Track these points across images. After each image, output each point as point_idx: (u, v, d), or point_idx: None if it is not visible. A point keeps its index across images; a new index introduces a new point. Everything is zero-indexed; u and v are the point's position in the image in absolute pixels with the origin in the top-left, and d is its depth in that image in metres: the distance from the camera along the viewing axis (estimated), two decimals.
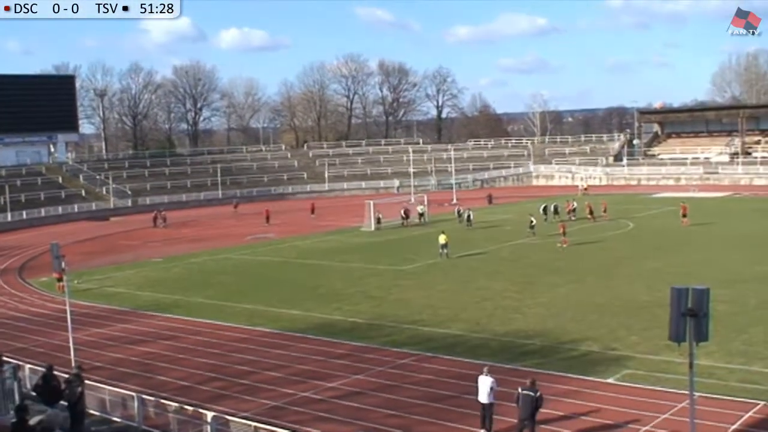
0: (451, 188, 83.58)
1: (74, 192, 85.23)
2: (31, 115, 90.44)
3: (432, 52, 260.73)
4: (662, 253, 39.87)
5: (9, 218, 73.56)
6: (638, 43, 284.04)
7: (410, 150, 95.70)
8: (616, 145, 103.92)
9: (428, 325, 26.86)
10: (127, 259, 47.98)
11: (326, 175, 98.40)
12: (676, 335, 13.00)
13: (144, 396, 18.14)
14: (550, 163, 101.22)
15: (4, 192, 75.60)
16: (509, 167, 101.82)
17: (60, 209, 78.76)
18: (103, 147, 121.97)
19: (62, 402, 17.00)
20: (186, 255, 48.13)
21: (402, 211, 58.78)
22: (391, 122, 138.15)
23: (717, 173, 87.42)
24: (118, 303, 33.87)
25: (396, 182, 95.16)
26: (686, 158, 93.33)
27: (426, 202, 62.02)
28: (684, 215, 51.50)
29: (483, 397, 16.98)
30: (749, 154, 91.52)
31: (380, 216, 57.07)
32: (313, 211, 69.68)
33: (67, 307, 23.17)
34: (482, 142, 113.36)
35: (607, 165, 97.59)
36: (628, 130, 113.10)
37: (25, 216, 74.95)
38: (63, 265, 22.79)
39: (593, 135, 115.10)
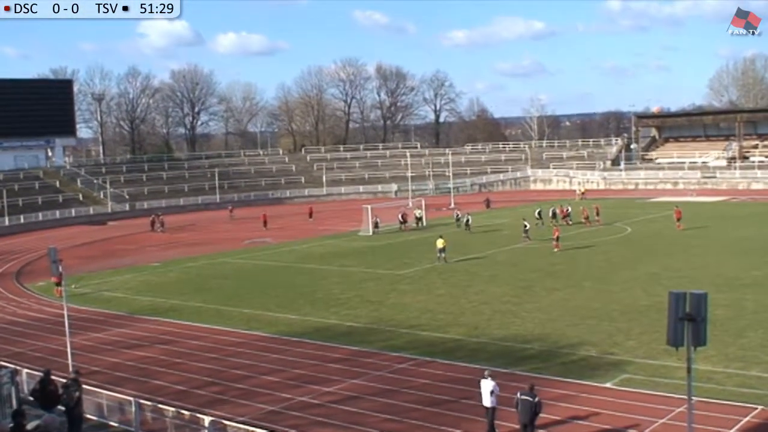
0: (449, 192, 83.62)
1: (72, 196, 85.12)
2: (28, 120, 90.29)
3: (429, 56, 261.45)
4: (660, 258, 39.89)
5: (6, 222, 73.48)
6: (636, 47, 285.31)
7: (408, 154, 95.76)
8: (614, 150, 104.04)
9: (426, 329, 26.85)
10: (125, 263, 47.94)
11: (324, 180, 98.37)
12: (674, 340, 13.02)
13: (141, 401, 18.10)
14: (548, 167, 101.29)
15: (1, 196, 75.46)
16: (507, 171, 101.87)
17: (57, 213, 78.64)
18: (101, 151, 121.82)
19: (59, 407, 16.98)
20: (183, 259, 48.09)
21: (399, 216, 58.77)
22: (388, 126, 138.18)
23: (714, 177, 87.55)
24: (116, 307, 33.83)
25: (394, 186, 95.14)
26: (684, 162, 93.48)
27: (423, 207, 62.05)
28: (678, 219, 51.60)
29: (486, 400, 17.07)
30: (746, 158, 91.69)
31: (378, 220, 57.07)
32: (310, 216, 69.69)
33: (65, 312, 23.12)
34: (480, 147, 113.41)
35: (605, 169, 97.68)
36: (625, 135, 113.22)
37: (22, 220, 74.85)
38: (60, 269, 22.76)
39: (591, 139, 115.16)
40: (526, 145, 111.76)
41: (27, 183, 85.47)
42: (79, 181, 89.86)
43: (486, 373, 17.47)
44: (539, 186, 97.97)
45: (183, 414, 17.27)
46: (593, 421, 17.56)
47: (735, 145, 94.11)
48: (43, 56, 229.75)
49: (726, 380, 19.81)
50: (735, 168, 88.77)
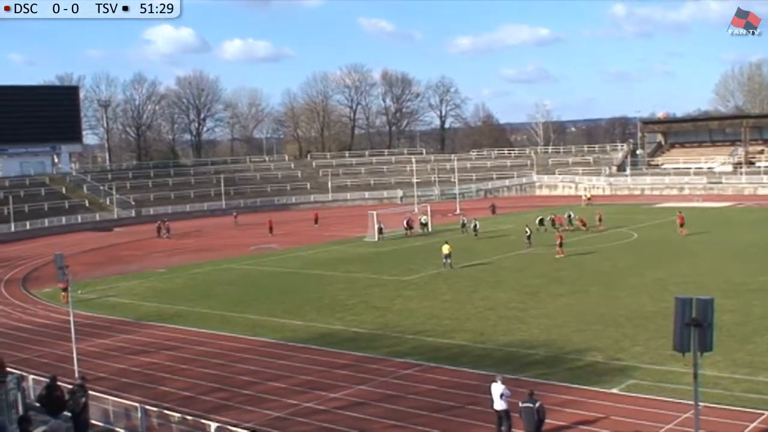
0: (455, 198, 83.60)
1: (78, 203, 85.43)
2: (34, 126, 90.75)
3: (434, 63, 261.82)
4: (666, 263, 39.78)
5: (12, 229, 73.77)
6: (641, 52, 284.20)
7: (413, 160, 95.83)
8: (620, 155, 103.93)
9: (432, 335, 26.82)
10: (131, 269, 48.04)
11: (329, 186, 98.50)
12: (680, 345, 12.99)
13: (147, 407, 18.13)
14: (554, 173, 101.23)
15: (7, 202, 75.81)
16: (512, 177, 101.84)
17: (63, 220, 78.93)
18: (107, 158, 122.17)
19: (66, 413, 17.01)
20: (189, 265, 48.17)
21: (405, 222, 58.82)
22: (394, 132, 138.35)
23: (720, 183, 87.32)
24: (122, 313, 33.90)
25: (399, 192, 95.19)
26: (690, 168, 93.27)
27: (429, 212, 62.04)
28: (681, 225, 51.54)
29: (497, 404, 17.13)
30: (752, 163, 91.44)
31: (382, 226, 57.04)
32: (316, 222, 69.74)
33: (71, 318, 23.20)
34: (485, 152, 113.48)
35: (611, 175, 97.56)
36: (631, 140, 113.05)
37: (28, 226, 75.12)
38: (67, 275, 22.84)
39: (596, 145, 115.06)
40: (532, 151, 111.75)
41: (33, 189, 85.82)
42: (85, 188, 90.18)
43: (498, 377, 17.54)
44: (545, 192, 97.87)
45: (189, 420, 17.29)
46: (600, 427, 17.51)
47: (741, 151, 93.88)
48: (48, 63, 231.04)
49: (733, 386, 19.74)
50: (741, 173, 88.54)
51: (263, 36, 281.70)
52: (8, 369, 18.96)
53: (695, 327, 12.74)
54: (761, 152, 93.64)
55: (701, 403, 14.90)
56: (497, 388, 17.08)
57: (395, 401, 20.02)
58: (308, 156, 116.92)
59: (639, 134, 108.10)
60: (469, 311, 30.41)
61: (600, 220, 56.78)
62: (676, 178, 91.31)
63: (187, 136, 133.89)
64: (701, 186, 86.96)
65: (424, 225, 59.46)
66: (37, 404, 17.64)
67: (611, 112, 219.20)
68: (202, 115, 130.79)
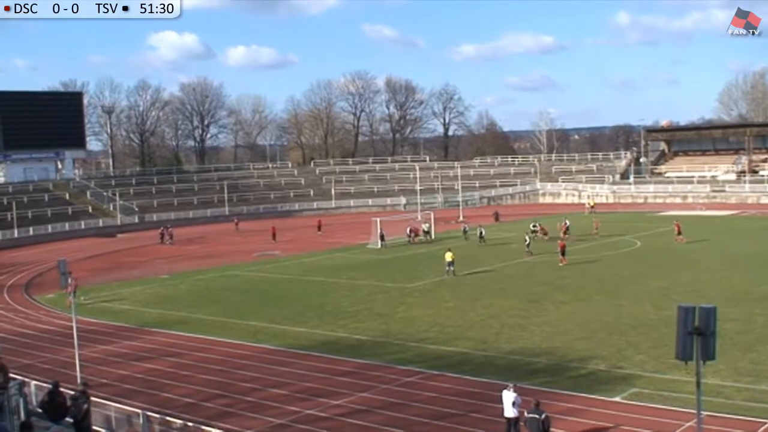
0: (458, 206, 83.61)
1: (81, 208, 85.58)
2: (38, 132, 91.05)
3: (438, 70, 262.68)
4: (669, 272, 39.73)
5: (16, 234, 73.89)
6: (645, 61, 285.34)
7: (417, 167, 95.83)
8: (623, 163, 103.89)
9: (435, 342, 26.81)
10: (134, 275, 48.08)
11: (333, 193, 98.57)
12: (683, 354, 12.97)
13: (149, 413, 18.13)
14: (557, 180, 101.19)
15: (11, 208, 75.95)
16: (516, 185, 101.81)
17: (67, 226, 79.02)
18: (111, 164, 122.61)
19: (68, 419, 17.02)
20: (192, 272, 48.21)
21: (408, 230, 58.86)
22: (397, 140, 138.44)
23: (724, 191, 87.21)
24: (125, 320, 33.93)
25: (403, 200, 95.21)
26: (693, 176, 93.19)
27: (432, 220, 62.09)
28: (678, 233, 51.61)
29: (508, 411, 17.16)
30: (756, 172, 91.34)
31: (383, 233, 56.97)
32: (319, 229, 69.77)
33: (74, 324, 23.25)
34: (489, 160, 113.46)
35: (614, 183, 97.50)
36: (634, 148, 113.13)
37: (32, 232, 75.24)
38: (71, 280, 22.91)
39: (600, 153, 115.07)
40: (535, 159, 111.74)
41: (36, 195, 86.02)
42: (88, 194, 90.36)
43: (510, 385, 17.60)
44: (548, 199, 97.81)
45: (190, 426, 17.29)
46: None
47: (744, 159, 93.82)
48: (52, 69, 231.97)
49: (735, 394, 19.69)
50: (744, 182, 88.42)
51: (267, 43, 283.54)
52: (11, 375, 19.01)
53: (698, 335, 12.72)
54: (764, 161, 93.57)
55: (704, 412, 14.86)
56: (509, 396, 17.13)
57: (398, 409, 20.00)
58: (312, 163, 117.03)
59: (642, 142, 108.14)
60: (472, 319, 30.38)
61: (597, 228, 56.96)
62: (679, 186, 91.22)
63: (191, 143, 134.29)
64: (704, 194, 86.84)
65: (426, 233, 59.48)
66: (39, 410, 17.65)
67: (615, 120, 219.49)
68: (205, 122, 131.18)
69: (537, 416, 15.95)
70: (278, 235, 65.22)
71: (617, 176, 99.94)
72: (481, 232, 55.42)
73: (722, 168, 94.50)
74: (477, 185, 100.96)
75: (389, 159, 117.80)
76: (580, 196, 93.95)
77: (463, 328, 28.73)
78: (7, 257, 61.82)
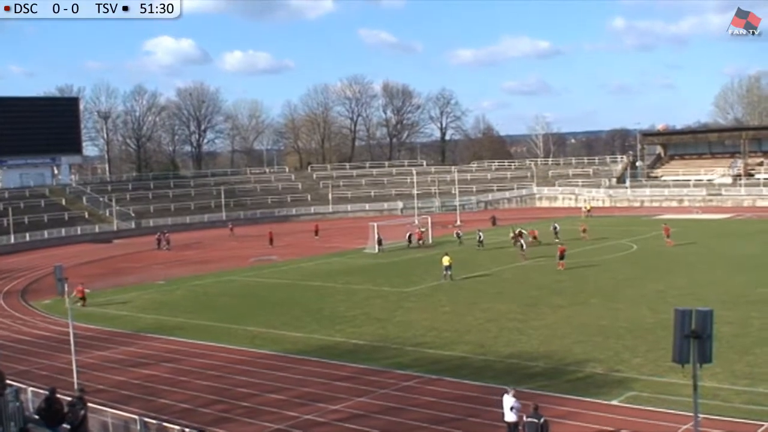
0: (455, 210, 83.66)
1: (77, 214, 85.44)
2: (34, 137, 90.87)
3: (435, 75, 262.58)
4: (666, 275, 39.81)
5: (12, 240, 73.76)
6: (641, 65, 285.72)
7: (414, 172, 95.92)
8: (619, 167, 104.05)
9: (432, 347, 26.81)
10: (131, 281, 48.03)
11: (330, 197, 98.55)
12: (679, 357, 12.99)
13: (146, 419, 18.09)
14: (554, 185, 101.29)
15: (7, 214, 75.82)
16: (513, 189, 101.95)
17: (63, 231, 78.89)
18: (107, 169, 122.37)
19: (65, 425, 16.98)
20: (189, 277, 48.16)
21: (407, 235, 58.93)
22: (394, 144, 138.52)
23: (720, 195, 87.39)
24: (121, 325, 33.87)
25: (400, 204, 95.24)
26: (689, 180, 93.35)
27: (429, 224, 62.10)
28: (667, 236, 51.94)
29: (507, 416, 17.23)
30: (752, 175, 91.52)
31: (380, 238, 56.99)
32: (316, 233, 69.74)
33: (71, 330, 23.21)
34: (486, 164, 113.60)
35: (610, 187, 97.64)
36: (631, 152, 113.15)
37: (28, 238, 75.09)
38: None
39: (596, 157, 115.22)
40: (532, 163, 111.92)
41: (33, 201, 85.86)
42: (84, 199, 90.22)
43: (510, 389, 17.63)
44: (545, 203, 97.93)
45: None
46: None
47: (740, 163, 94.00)
48: (48, 74, 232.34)
49: (733, 397, 19.74)
50: (740, 185, 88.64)
51: (264, 47, 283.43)
52: (8, 381, 18.97)
53: (694, 338, 12.75)
54: (760, 164, 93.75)
55: (701, 415, 14.88)
56: (508, 401, 17.20)
57: (396, 413, 20.00)
58: (308, 168, 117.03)
59: (639, 146, 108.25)
60: (469, 323, 30.40)
61: (584, 231, 57.35)
62: (675, 189, 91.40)
63: (188, 148, 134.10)
64: (700, 198, 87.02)
65: (420, 238, 59.42)
66: (36, 416, 17.61)
67: (611, 125, 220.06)
68: (202, 127, 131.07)
69: (536, 420, 15.98)
70: (275, 240, 65.19)
71: (613, 180, 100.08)
72: (479, 237, 55.42)
73: (718, 171, 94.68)
74: (474, 189, 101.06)
75: (386, 163, 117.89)
76: (576, 200, 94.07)
77: (460, 332, 28.74)
78: (3, 263, 61.69)
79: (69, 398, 17.81)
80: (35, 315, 38.18)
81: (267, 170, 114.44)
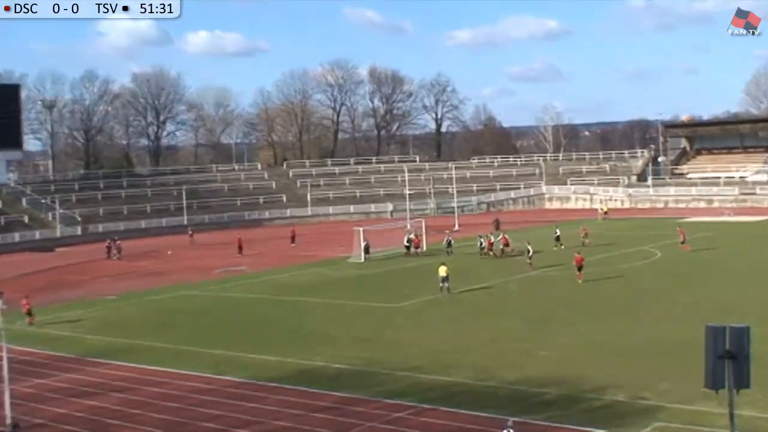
0: (453, 212, 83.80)
1: (15, 218, 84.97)
2: None
3: (429, 58, 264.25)
4: (694, 286, 40.03)
5: None
6: (662, 48, 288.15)
7: (405, 169, 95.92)
8: (639, 163, 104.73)
9: (427, 371, 26.75)
10: (76, 296, 47.79)
11: (309, 198, 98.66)
12: (713, 381, 12.97)
13: None
14: (565, 183, 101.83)
15: None
16: (519, 188, 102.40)
17: None
18: (51, 166, 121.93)
19: None
20: (143, 292, 48.00)
21: (405, 239, 59.26)
22: (383, 137, 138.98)
23: (755, 194, 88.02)
24: (64, 348, 33.60)
25: (389, 206, 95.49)
26: (719, 177, 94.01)
27: (424, 229, 62.16)
28: (683, 241, 52.55)
29: None
30: None
31: (367, 244, 56.98)
32: (293, 240, 69.75)
33: (4, 354, 22.97)
34: (487, 160, 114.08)
35: (630, 185, 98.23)
36: (652, 146, 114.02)
37: None
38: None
39: (613, 152, 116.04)
40: (540, 159, 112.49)
41: None
42: (24, 201, 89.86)
43: (509, 422, 17.69)
44: (555, 205, 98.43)
45: None
46: None
47: None
48: None
49: None
50: None
51: (233, 27, 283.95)
52: None
53: (730, 359, 12.70)
54: None
55: None
56: None
57: None
58: (284, 164, 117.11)
59: (661, 139, 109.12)
60: (469, 343, 30.40)
61: (586, 236, 57.81)
62: (703, 188, 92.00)
63: (144, 142, 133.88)
64: (732, 198, 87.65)
65: (408, 246, 59.42)
66: None
67: (629, 115, 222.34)
68: (161, 118, 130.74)
69: None
70: (245, 247, 65.16)
71: (633, 178, 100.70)
72: (481, 243, 55.44)
73: (752, 168, 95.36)
74: (474, 189, 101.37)
75: (374, 159, 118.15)
76: (591, 200, 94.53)
77: (459, 354, 28.72)
78: None
79: None
80: None
81: (236, 167, 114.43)
